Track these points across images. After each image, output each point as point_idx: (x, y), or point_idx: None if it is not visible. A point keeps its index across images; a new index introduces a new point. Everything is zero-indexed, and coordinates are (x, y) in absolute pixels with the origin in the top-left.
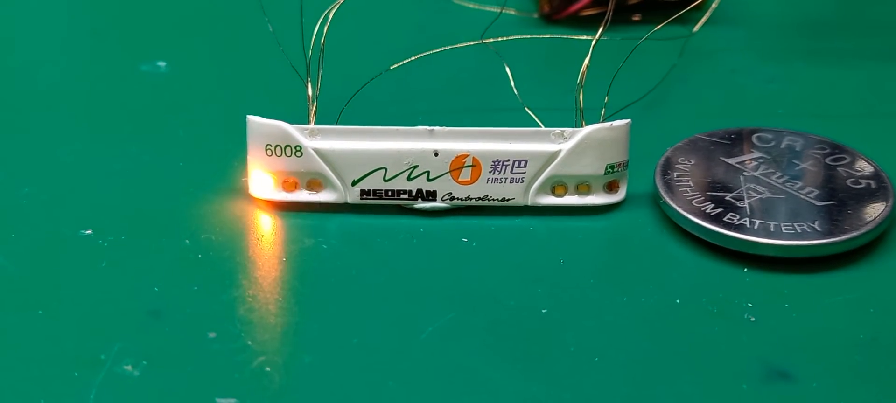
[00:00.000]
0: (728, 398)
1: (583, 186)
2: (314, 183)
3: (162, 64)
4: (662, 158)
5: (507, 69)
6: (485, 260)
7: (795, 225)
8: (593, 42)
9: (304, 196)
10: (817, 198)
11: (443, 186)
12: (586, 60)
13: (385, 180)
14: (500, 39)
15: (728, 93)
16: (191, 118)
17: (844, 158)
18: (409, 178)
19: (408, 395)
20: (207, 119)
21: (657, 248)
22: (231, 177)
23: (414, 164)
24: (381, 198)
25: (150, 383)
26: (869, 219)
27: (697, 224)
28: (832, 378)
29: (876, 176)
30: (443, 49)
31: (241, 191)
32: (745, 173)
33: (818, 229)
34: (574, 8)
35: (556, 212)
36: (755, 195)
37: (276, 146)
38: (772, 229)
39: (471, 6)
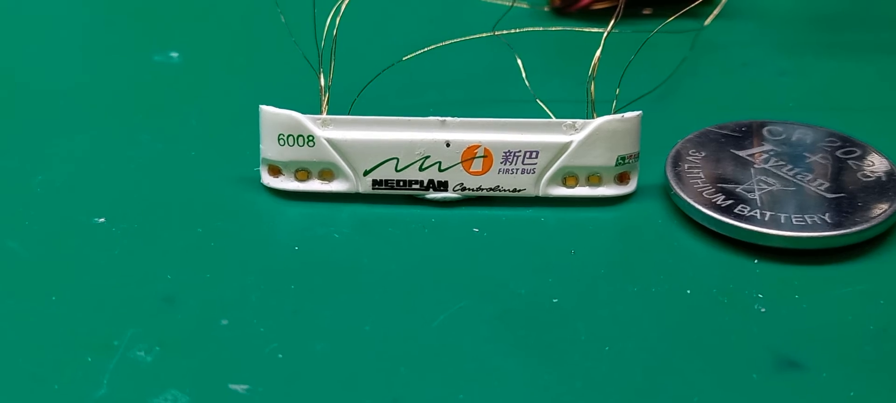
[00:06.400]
0: (738, 387)
1: (594, 177)
2: (326, 172)
3: (174, 54)
4: (673, 150)
5: (519, 61)
6: (496, 250)
7: (806, 217)
8: (605, 34)
9: (316, 185)
10: (828, 190)
11: (454, 176)
12: (598, 53)
13: (397, 170)
14: (511, 32)
15: (739, 86)
16: (203, 108)
17: (855, 151)
18: (420, 169)
19: (419, 382)
20: (220, 109)
21: (668, 239)
22: (243, 166)
23: (426, 155)
24: (392, 187)
25: (163, 368)
26: (879, 212)
27: (708, 215)
28: (842, 368)
29: (887, 169)
30: (455, 41)
31: (253, 181)
32: (755, 165)
33: (828, 221)
34: (585, 1)
35: (567, 203)
36: (766, 187)
37: (289, 136)
38: (782, 221)
39: None
